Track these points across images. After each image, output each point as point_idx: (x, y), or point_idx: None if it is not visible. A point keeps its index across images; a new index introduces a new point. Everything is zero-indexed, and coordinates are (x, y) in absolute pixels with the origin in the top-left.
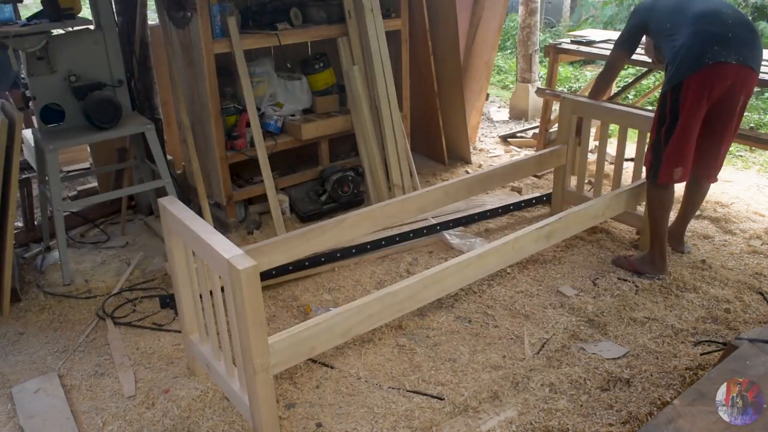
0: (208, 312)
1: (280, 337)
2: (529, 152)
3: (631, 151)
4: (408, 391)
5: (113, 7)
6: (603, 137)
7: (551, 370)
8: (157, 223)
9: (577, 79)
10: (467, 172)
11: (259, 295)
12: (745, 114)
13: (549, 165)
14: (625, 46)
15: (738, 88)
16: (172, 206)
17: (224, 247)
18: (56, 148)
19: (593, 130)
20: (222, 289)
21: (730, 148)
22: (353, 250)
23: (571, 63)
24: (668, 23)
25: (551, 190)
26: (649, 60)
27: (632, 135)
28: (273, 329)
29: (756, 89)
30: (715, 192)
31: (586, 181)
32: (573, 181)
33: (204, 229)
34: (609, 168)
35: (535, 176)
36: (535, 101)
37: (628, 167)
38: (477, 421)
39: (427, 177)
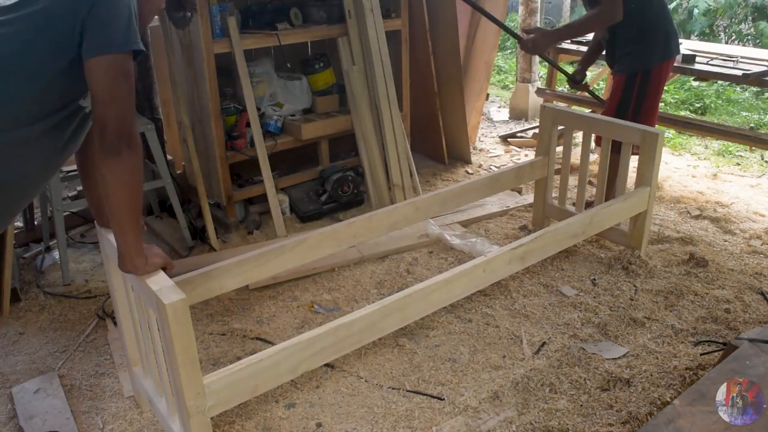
0: (148, 346)
1: (218, 376)
2: (529, 153)
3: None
4: (408, 391)
5: None
6: (585, 148)
7: (551, 370)
8: (157, 222)
9: None
10: (467, 172)
11: (189, 331)
12: (745, 114)
13: (529, 178)
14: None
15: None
16: (108, 230)
17: (154, 277)
18: None
19: None
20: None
21: (731, 148)
22: None
23: (571, 63)
24: None
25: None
26: None
27: None
28: (273, 329)
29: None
30: (715, 192)
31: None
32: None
33: None
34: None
35: None
36: (535, 101)
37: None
38: (477, 421)
39: (427, 177)
